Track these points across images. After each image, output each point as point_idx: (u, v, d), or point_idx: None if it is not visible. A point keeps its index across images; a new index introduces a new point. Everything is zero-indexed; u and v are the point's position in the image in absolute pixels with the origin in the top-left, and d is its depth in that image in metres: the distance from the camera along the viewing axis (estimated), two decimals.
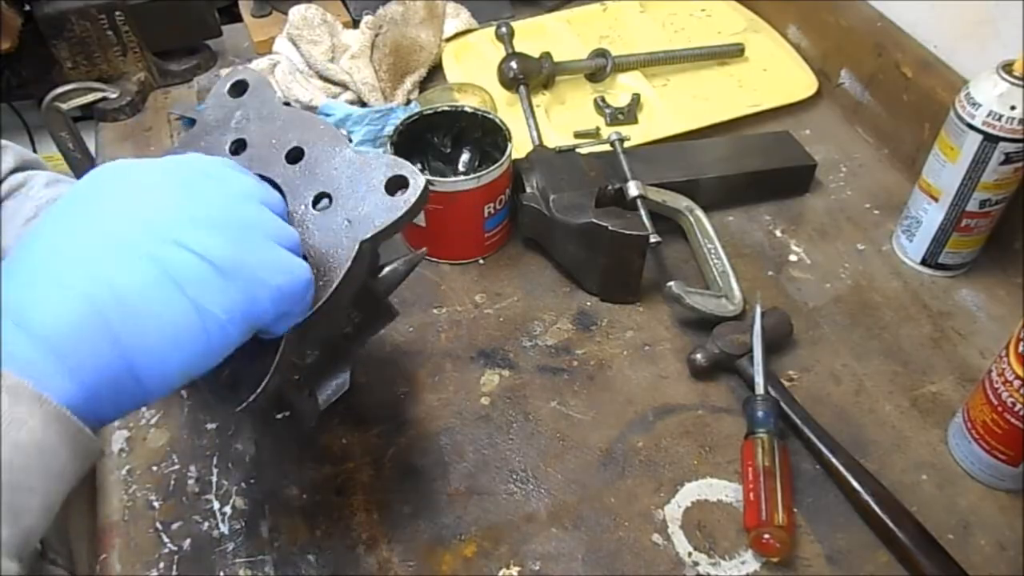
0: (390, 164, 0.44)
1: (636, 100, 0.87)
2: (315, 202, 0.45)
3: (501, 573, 0.53)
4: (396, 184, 0.43)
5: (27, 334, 0.33)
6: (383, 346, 0.66)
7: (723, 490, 0.57)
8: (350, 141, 0.52)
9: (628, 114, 0.86)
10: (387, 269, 0.54)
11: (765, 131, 0.85)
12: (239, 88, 0.50)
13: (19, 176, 0.64)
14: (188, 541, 0.55)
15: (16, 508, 0.31)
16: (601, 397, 0.63)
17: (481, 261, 0.74)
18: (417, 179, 0.43)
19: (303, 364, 0.50)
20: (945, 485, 0.58)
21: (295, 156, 0.46)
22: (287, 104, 0.81)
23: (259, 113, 0.48)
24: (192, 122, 0.88)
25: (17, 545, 0.31)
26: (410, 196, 0.43)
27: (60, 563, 0.66)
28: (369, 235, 0.42)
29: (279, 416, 0.61)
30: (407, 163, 0.44)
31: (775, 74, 0.91)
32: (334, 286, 0.42)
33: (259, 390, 0.42)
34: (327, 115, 0.82)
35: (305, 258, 0.42)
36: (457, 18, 0.97)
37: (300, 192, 0.45)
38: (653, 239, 0.66)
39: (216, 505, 0.56)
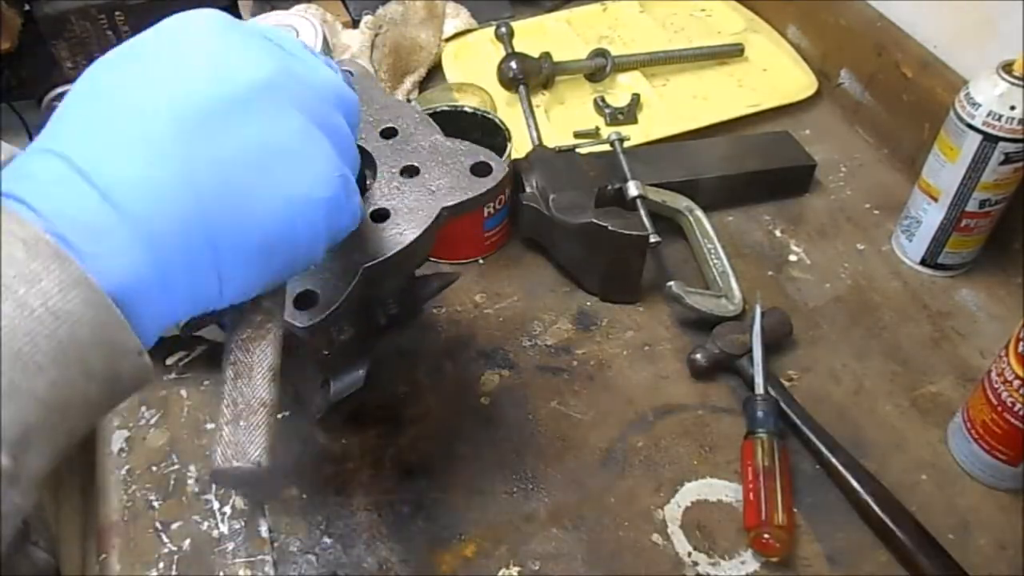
0: (476, 151, 0.51)
1: (636, 100, 0.87)
2: (402, 171, 0.50)
3: (501, 573, 0.53)
4: (481, 168, 0.50)
5: (91, 185, 0.28)
6: (383, 346, 0.66)
7: (723, 490, 0.57)
8: None
9: (628, 114, 0.86)
10: (422, 280, 0.60)
11: (765, 131, 0.85)
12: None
13: None
14: (188, 541, 0.55)
15: (13, 384, 0.25)
16: (601, 397, 0.63)
17: (481, 261, 0.74)
18: (500, 166, 0.49)
19: (337, 339, 0.53)
20: (945, 485, 0.58)
21: (388, 133, 0.52)
22: None
23: (360, 97, 0.53)
24: None
25: (10, 436, 0.25)
26: (493, 178, 0.49)
27: (43, 546, 0.66)
28: (452, 203, 0.48)
29: (279, 416, 0.61)
30: (492, 153, 0.50)
31: (775, 74, 0.91)
32: (413, 237, 0.46)
33: (334, 307, 0.44)
34: None
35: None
36: (457, 18, 0.97)
37: (389, 160, 0.50)
38: (653, 239, 0.66)
39: (216, 505, 0.56)
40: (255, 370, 0.36)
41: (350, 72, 0.55)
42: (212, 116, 0.31)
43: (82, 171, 0.29)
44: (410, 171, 0.50)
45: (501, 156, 0.69)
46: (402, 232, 0.47)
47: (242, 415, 0.35)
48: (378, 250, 0.46)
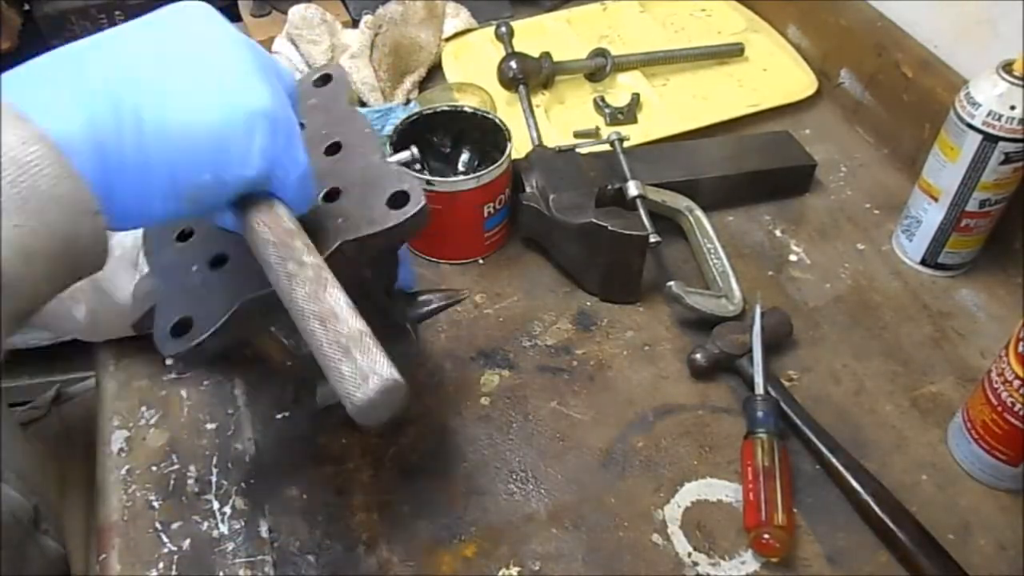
0: (402, 179, 0.46)
1: (636, 100, 0.87)
2: (327, 195, 0.47)
3: (501, 573, 0.53)
4: (398, 199, 0.45)
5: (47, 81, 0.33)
6: None
7: (723, 490, 0.57)
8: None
9: (628, 114, 0.86)
10: (421, 298, 0.57)
11: (765, 131, 0.85)
12: (323, 80, 0.53)
13: None
14: (188, 541, 0.55)
15: None
16: (601, 397, 0.63)
17: (481, 261, 0.74)
18: (418, 198, 0.45)
19: (298, 351, 0.51)
20: (945, 485, 0.58)
21: (333, 150, 0.49)
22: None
23: (326, 106, 0.52)
24: None
25: None
26: (405, 212, 0.45)
27: (53, 535, 0.66)
28: (350, 237, 0.44)
29: (279, 416, 0.61)
30: (418, 183, 0.46)
31: (775, 74, 0.91)
32: None
33: (200, 339, 0.42)
34: None
35: None
36: (457, 18, 0.97)
37: (320, 182, 0.47)
38: (653, 239, 0.66)
39: (216, 505, 0.56)
40: (337, 310, 0.36)
41: (330, 74, 0.53)
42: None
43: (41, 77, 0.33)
44: (331, 196, 0.47)
45: (501, 156, 0.69)
46: None
47: (351, 349, 0.35)
48: (265, 282, 0.42)
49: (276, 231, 0.39)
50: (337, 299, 0.37)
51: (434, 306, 0.58)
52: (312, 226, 0.44)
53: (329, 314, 0.36)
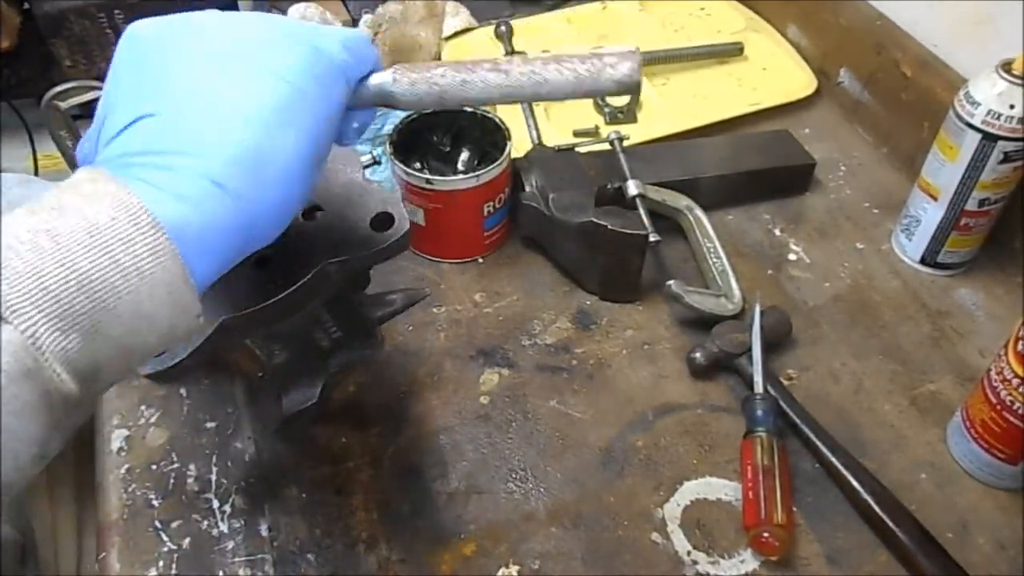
0: (386, 200, 0.45)
1: (635, 99, 0.87)
2: (306, 212, 0.45)
3: (500, 572, 0.53)
4: (382, 221, 0.44)
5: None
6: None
7: (722, 489, 0.57)
8: (377, 163, 0.55)
9: (627, 113, 0.86)
10: (386, 298, 0.56)
11: (764, 130, 0.85)
12: None
13: None
14: (187, 540, 0.55)
15: (97, 327, 0.29)
16: (600, 396, 0.63)
17: (480, 260, 0.74)
18: (402, 222, 0.44)
19: (269, 363, 0.50)
20: (944, 484, 0.58)
21: None
22: None
23: None
24: None
25: (82, 369, 0.29)
26: (389, 236, 0.44)
27: (11, 524, 0.66)
28: (333, 259, 0.43)
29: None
30: (400, 204, 0.45)
31: (774, 73, 0.91)
32: (286, 292, 0.42)
33: (178, 360, 0.41)
34: None
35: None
36: (456, 17, 0.97)
37: None
38: (652, 238, 0.66)
39: (216, 504, 0.56)
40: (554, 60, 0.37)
41: None
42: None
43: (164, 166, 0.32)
44: (309, 213, 0.45)
45: (501, 155, 0.69)
46: (284, 281, 0.42)
47: (590, 58, 0.37)
48: (248, 300, 0.41)
49: (421, 72, 0.37)
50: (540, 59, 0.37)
51: (398, 306, 0.57)
52: (293, 243, 0.43)
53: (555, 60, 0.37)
